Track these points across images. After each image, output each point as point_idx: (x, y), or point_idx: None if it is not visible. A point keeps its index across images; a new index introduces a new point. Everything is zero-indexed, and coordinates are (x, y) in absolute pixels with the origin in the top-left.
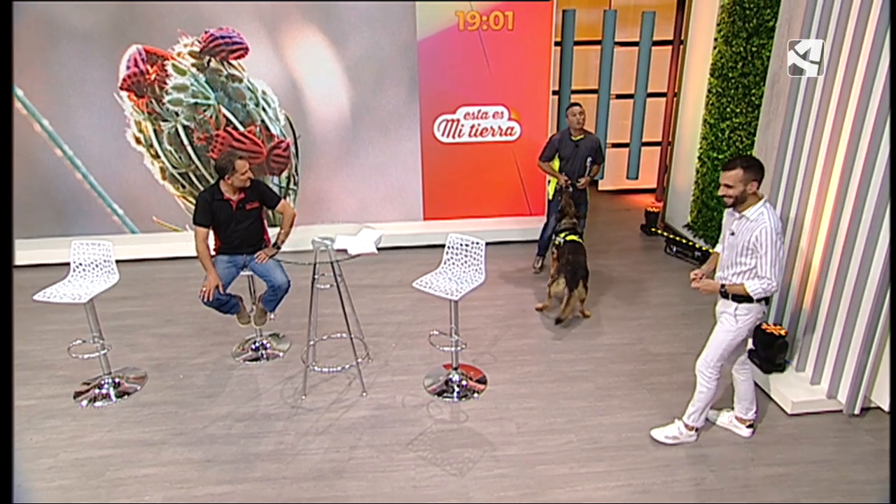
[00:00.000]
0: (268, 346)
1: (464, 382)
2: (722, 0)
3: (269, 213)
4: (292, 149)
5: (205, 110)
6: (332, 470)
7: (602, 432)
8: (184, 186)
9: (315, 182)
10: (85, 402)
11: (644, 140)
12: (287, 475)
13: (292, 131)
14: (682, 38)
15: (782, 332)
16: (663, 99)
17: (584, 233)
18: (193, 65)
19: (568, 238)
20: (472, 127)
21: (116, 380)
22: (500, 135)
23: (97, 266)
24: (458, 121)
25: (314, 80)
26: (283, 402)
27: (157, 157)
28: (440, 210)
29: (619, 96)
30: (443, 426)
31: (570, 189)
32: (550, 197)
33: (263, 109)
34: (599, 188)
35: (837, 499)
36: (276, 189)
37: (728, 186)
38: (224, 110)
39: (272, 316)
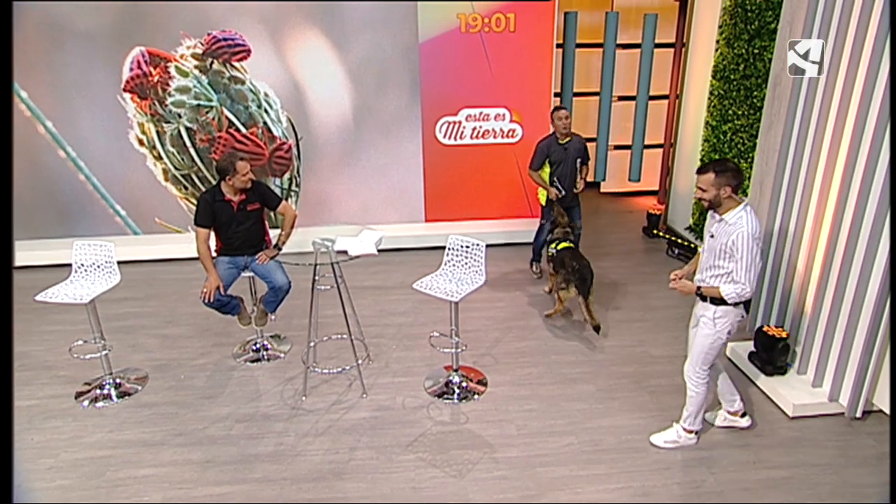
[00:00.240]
0: (268, 347)
1: (464, 384)
2: (724, 2)
3: (271, 214)
4: (294, 150)
5: (207, 112)
6: (332, 471)
7: (602, 434)
8: (186, 188)
9: (317, 184)
10: (86, 403)
11: (646, 142)
12: (287, 476)
13: (294, 133)
14: (684, 40)
15: (784, 335)
16: (665, 101)
17: (578, 243)
18: (196, 67)
19: (560, 247)
20: (474, 129)
21: (117, 380)
22: (502, 137)
23: (99, 267)
24: (460, 123)
25: (316, 82)
26: (283, 403)
27: (159, 158)
28: (442, 212)
29: (620, 98)
30: (443, 428)
31: (563, 194)
32: (543, 203)
33: (265, 111)
34: (601, 190)
35: (839, 502)
36: (277, 190)
37: (702, 190)
38: (226, 112)
39: (273, 317)
